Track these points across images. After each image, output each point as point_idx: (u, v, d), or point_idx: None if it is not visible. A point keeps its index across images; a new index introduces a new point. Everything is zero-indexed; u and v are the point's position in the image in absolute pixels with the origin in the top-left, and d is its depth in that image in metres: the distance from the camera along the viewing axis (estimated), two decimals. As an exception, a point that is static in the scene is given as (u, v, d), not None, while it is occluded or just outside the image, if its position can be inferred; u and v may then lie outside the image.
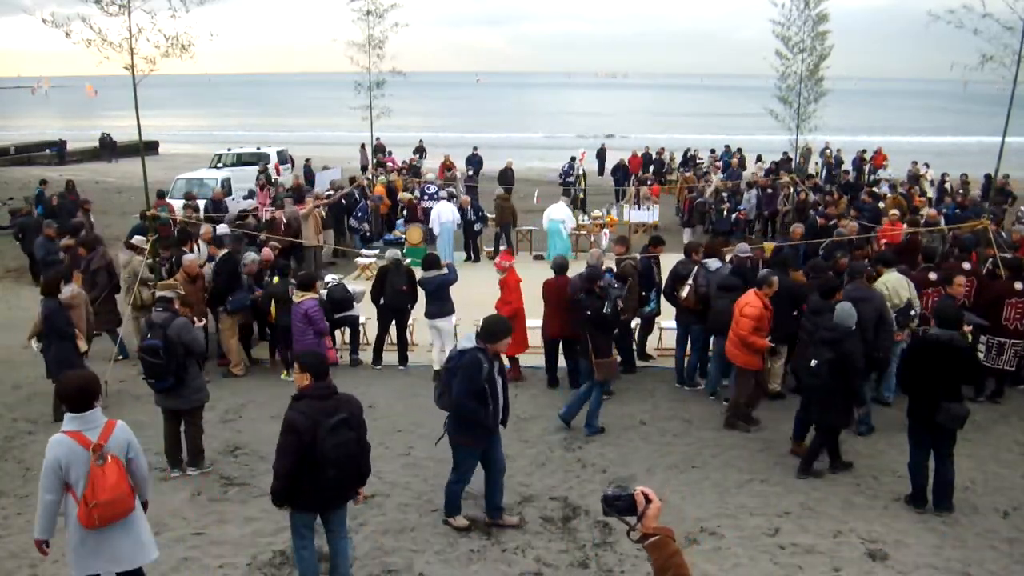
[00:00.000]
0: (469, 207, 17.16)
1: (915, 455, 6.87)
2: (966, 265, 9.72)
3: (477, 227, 17.31)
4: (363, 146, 27.85)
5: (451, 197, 18.26)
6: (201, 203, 17.37)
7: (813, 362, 7.15)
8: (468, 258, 17.06)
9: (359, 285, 12.46)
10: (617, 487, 2.69)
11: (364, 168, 25.87)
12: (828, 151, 29.32)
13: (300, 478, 4.99)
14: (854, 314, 7.18)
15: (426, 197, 18.61)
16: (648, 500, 2.65)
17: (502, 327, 6.23)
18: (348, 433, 4.99)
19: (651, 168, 29.91)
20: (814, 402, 7.36)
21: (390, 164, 25.94)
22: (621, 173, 25.27)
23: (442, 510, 6.66)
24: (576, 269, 9.73)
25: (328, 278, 11.79)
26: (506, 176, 23.84)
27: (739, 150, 28.82)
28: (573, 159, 25.20)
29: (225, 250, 10.83)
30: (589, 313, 8.27)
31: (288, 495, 5.08)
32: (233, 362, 10.36)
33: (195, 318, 8.75)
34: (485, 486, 6.54)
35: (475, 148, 27.92)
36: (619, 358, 8.41)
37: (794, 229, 12.60)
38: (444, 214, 16.55)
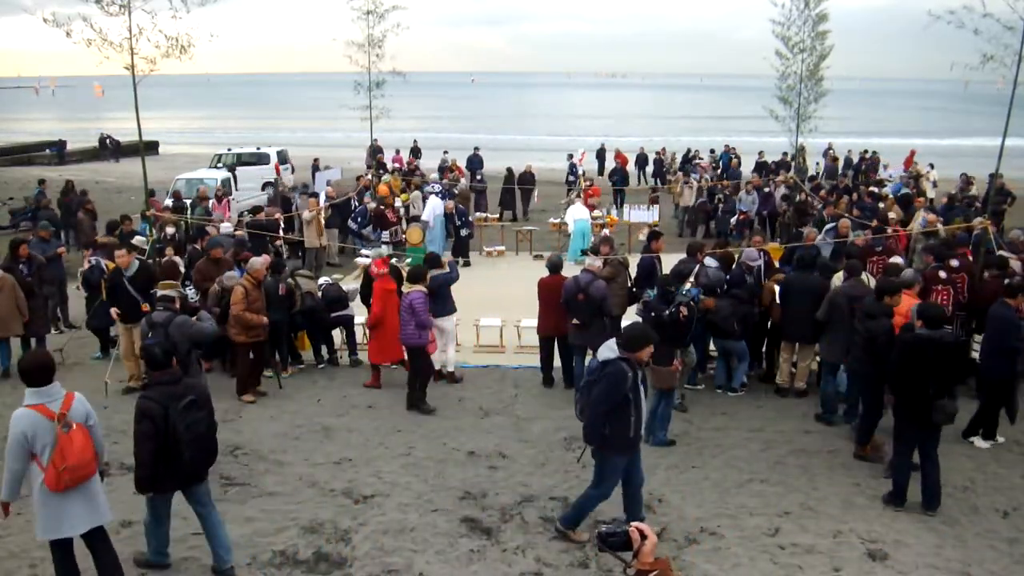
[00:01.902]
0: (454, 212, 17.01)
1: (901, 454, 6.89)
2: (954, 262, 9.78)
3: (464, 232, 17.04)
4: (379, 149, 27.67)
5: (444, 194, 18.27)
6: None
7: None
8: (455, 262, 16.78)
9: (356, 284, 12.46)
10: (612, 522, 2.71)
11: (382, 166, 25.86)
12: (832, 152, 29.25)
13: (158, 461, 5.33)
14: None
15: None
16: (643, 536, 2.65)
17: (645, 335, 6.01)
18: (198, 413, 5.42)
19: (649, 168, 29.84)
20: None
21: (397, 164, 25.92)
22: (619, 175, 25.22)
23: (442, 510, 6.64)
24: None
25: (322, 280, 11.78)
26: (526, 179, 23.60)
27: (760, 152, 27.89)
28: (571, 156, 25.09)
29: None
30: (653, 315, 8.11)
31: (152, 480, 5.41)
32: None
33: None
34: (624, 499, 6.36)
35: (476, 148, 27.83)
36: (679, 367, 8.21)
37: (808, 233, 12.50)
38: (437, 208, 16.84)
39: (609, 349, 5.94)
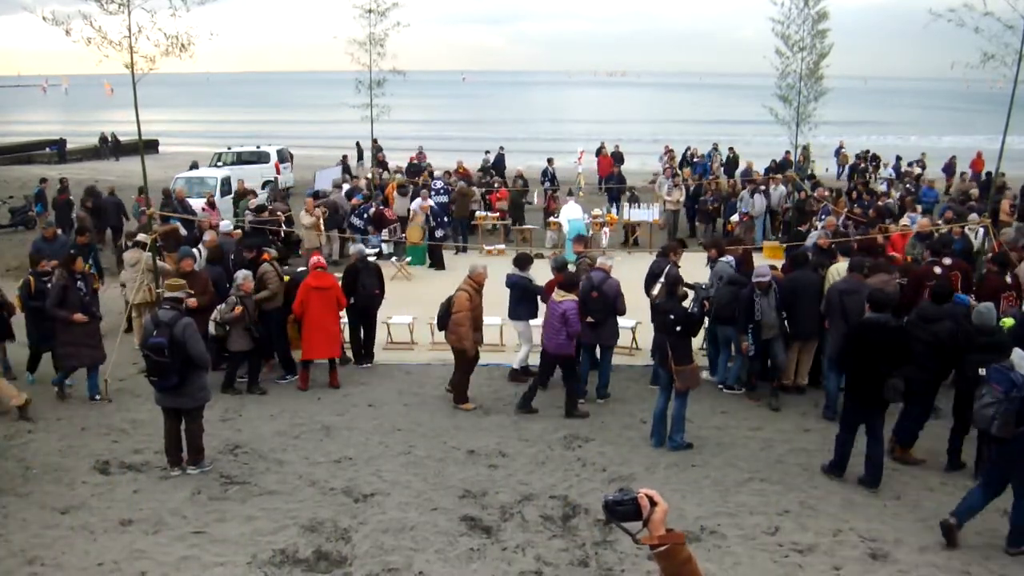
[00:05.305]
0: (429, 212, 16.81)
1: (844, 429, 7.34)
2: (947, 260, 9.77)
3: (439, 233, 16.81)
4: (379, 148, 27.45)
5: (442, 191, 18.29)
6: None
7: (982, 370, 6.99)
8: (431, 265, 16.39)
9: None
10: (619, 491, 2.45)
11: (383, 165, 25.71)
12: (844, 151, 29.10)
13: None
14: (994, 311, 7.44)
15: (433, 193, 18.62)
16: (653, 503, 2.43)
17: None
18: None
19: (623, 166, 29.35)
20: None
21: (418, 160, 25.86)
22: (613, 177, 25.01)
23: (441, 509, 6.64)
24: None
25: None
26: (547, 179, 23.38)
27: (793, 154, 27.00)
28: (551, 160, 24.69)
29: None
30: (673, 317, 7.90)
31: None
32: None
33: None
34: (984, 497, 6.32)
35: (501, 148, 26.90)
36: (700, 365, 8.23)
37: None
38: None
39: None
